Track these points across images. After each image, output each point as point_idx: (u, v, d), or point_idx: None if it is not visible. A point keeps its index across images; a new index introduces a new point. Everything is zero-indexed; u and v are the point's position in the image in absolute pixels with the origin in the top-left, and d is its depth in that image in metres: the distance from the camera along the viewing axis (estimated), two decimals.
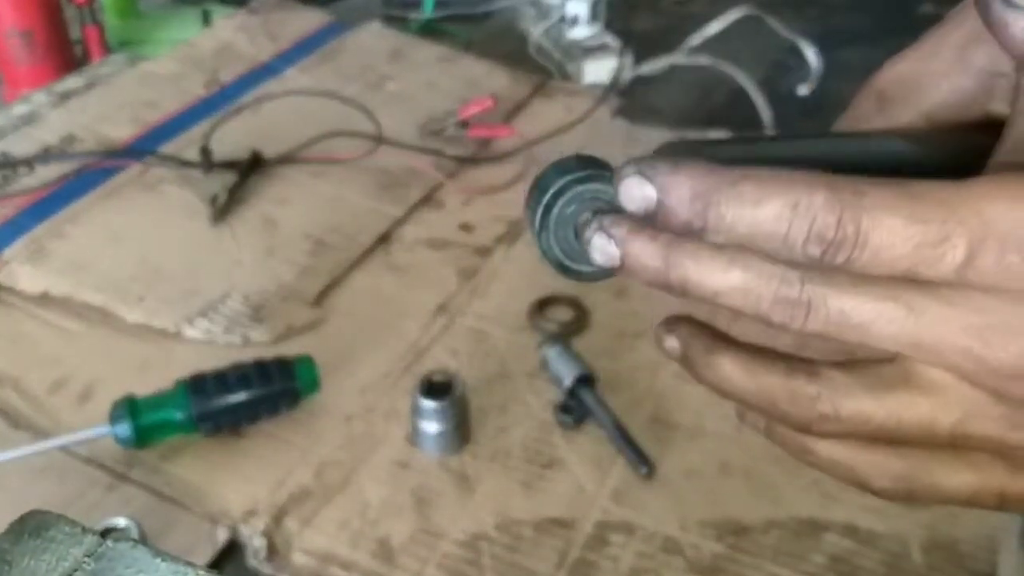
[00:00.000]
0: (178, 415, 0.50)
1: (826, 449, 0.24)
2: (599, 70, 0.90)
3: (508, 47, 1.00)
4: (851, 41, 0.99)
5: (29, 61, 0.87)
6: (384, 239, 0.69)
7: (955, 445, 0.23)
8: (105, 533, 0.42)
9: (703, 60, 0.91)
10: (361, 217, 0.70)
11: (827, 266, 0.21)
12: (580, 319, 0.60)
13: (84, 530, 0.40)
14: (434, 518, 0.48)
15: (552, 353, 0.55)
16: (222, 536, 0.47)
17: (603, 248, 0.22)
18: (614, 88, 0.82)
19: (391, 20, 1.04)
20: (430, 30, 1.03)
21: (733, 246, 0.21)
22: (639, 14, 1.08)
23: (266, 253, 0.65)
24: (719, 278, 0.22)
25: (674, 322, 0.25)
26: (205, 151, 0.71)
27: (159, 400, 0.50)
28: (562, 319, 0.60)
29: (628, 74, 0.91)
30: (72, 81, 0.84)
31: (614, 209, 0.22)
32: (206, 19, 1.00)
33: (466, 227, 0.70)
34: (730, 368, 0.24)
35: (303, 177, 0.73)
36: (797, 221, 0.20)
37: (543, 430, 0.53)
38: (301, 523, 0.48)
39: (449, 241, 0.69)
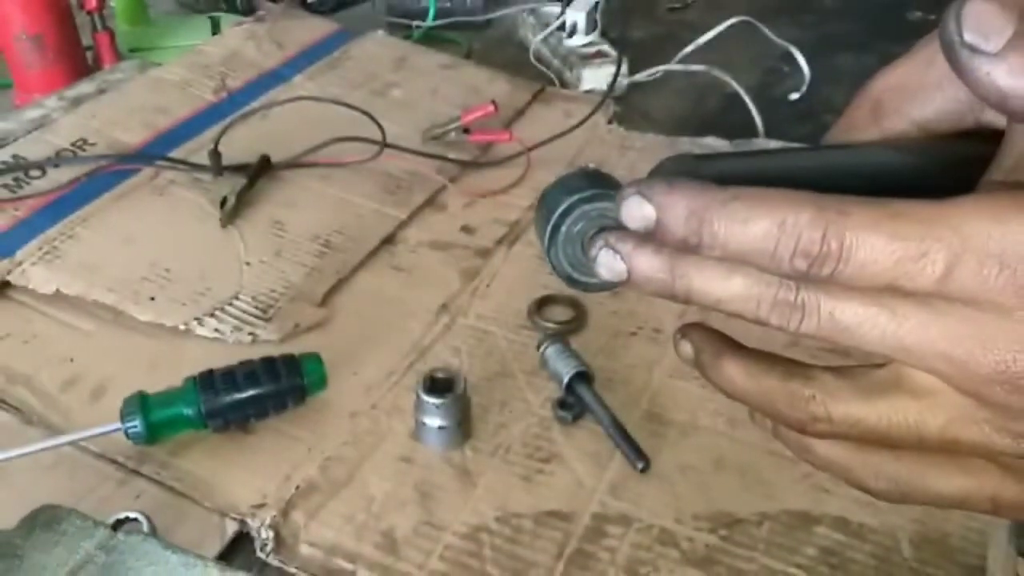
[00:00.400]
0: (188, 411, 0.51)
1: (824, 449, 0.26)
2: (596, 77, 0.92)
3: (508, 55, 1.01)
4: (843, 47, 1.01)
5: (40, 66, 0.88)
6: (388, 241, 0.70)
7: (946, 449, 0.24)
8: (116, 526, 0.43)
9: (697, 67, 0.92)
10: (366, 219, 0.71)
11: (814, 279, 0.22)
12: (578, 318, 0.61)
13: (95, 523, 0.41)
14: (436, 511, 0.49)
15: (551, 351, 0.56)
16: (231, 529, 0.48)
17: (609, 264, 0.24)
18: (611, 94, 0.83)
19: (395, 28, 1.05)
20: (433, 38, 1.05)
21: (730, 260, 0.23)
22: (635, 22, 1.09)
23: (274, 254, 0.67)
24: (721, 286, 0.23)
25: (688, 329, 0.27)
26: (215, 155, 0.72)
27: (169, 397, 0.51)
28: (561, 318, 0.62)
29: (624, 81, 0.92)
30: (84, 86, 0.85)
31: (618, 226, 0.24)
32: (215, 27, 1.02)
33: (468, 229, 0.71)
34: (734, 371, 0.25)
35: (310, 181, 0.74)
36: (784, 238, 0.22)
37: (542, 426, 0.54)
38: (308, 516, 0.49)
39: (451, 243, 0.70)
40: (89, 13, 0.92)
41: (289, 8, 1.00)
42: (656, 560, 0.46)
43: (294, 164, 0.75)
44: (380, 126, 0.74)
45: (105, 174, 0.73)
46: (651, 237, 0.23)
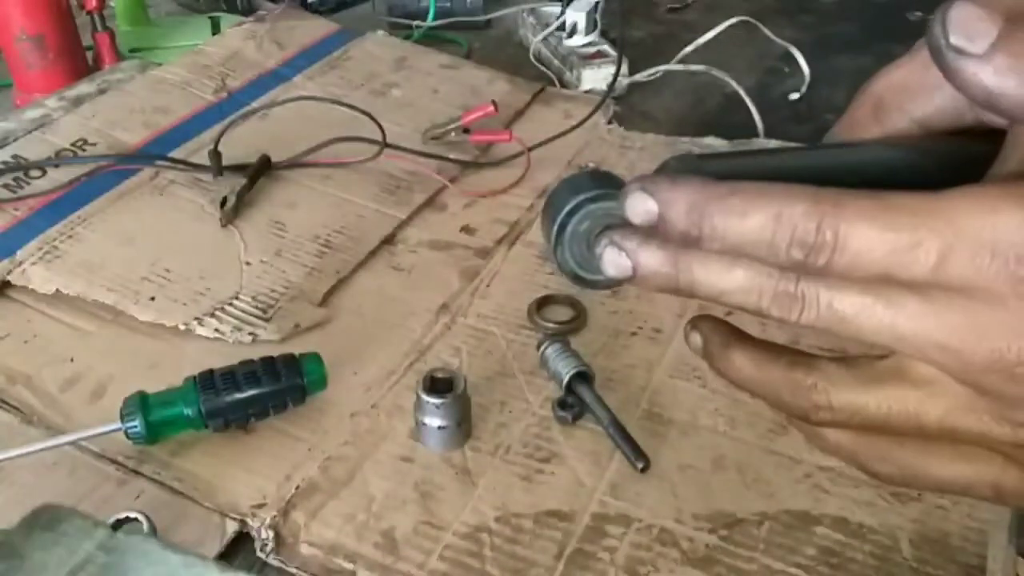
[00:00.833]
0: (188, 411, 0.51)
1: (832, 435, 0.27)
2: (596, 77, 0.92)
3: (508, 55, 1.01)
4: (843, 48, 1.01)
5: (41, 66, 0.88)
6: (389, 241, 0.70)
7: (947, 438, 0.24)
8: (116, 526, 0.43)
9: (697, 67, 0.92)
10: (366, 219, 0.71)
11: (811, 268, 0.22)
12: (578, 318, 0.62)
13: (96, 523, 0.41)
14: (437, 511, 0.49)
15: (551, 351, 0.56)
16: (231, 529, 0.48)
17: (614, 260, 0.25)
18: (611, 95, 0.83)
19: (395, 28, 1.05)
20: (433, 38, 1.05)
21: (731, 252, 0.23)
22: (635, 22, 1.09)
23: (274, 254, 0.67)
24: (724, 278, 0.24)
25: (698, 320, 0.28)
26: (215, 155, 0.72)
27: (170, 397, 0.51)
28: (561, 318, 0.62)
29: (624, 81, 0.92)
30: (84, 86, 0.85)
31: (623, 224, 0.24)
32: (215, 27, 1.02)
33: (468, 229, 0.71)
34: (741, 360, 0.26)
35: (310, 181, 0.75)
36: (781, 229, 0.22)
37: (542, 426, 0.54)
38: (308, 516, 0.49)
39: (451, 243, 0.70)
40: (89, 13, 0.92)
41: (289, 8, 1.00)
42: (656, 560, 0.46)
43: (294, 164, 0.75)
44: (380, 126, 0.74)
45: (105, 174, 0.73)
46: (654, 233, 0.24)
